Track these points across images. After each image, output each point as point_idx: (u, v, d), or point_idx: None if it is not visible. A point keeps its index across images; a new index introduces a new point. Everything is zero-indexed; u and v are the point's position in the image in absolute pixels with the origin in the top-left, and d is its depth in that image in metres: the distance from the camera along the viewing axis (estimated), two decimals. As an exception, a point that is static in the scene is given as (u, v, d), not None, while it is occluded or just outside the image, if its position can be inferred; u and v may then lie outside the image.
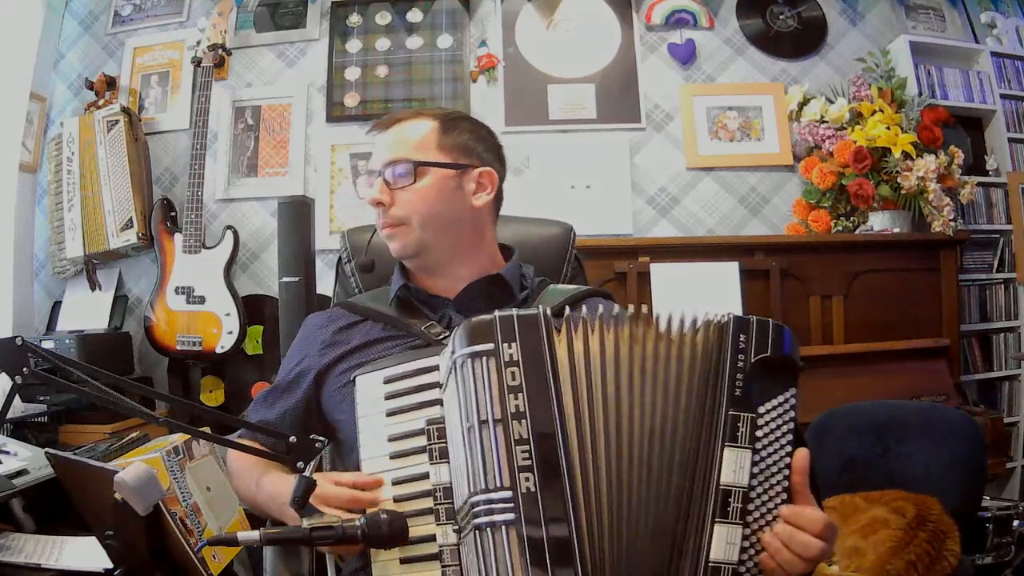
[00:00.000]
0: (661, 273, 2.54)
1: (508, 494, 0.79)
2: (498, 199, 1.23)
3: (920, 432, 1.80)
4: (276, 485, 1.05)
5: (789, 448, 0.83)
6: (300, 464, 0.88)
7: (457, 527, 0.85)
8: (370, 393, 0.97)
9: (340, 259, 1.45)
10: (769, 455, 0.83)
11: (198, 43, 2.83)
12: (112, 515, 0.98)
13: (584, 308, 0.93)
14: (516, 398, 0.81)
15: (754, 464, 0.82)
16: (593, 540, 0.80)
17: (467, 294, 1.18)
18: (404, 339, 1.16)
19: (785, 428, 0.84)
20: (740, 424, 0.82)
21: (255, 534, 0.80)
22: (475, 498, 0.80)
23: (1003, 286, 2.97)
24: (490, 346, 0.82)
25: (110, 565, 1.04)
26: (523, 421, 0.81)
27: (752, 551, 0.81)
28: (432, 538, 0.87)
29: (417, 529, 0.88)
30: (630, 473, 0.82)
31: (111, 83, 3.00)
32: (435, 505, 0.87)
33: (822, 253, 2.66)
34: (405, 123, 1.18)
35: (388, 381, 0.97)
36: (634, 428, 0.83)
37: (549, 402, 0.82)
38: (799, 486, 0.83)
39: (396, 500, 0.91)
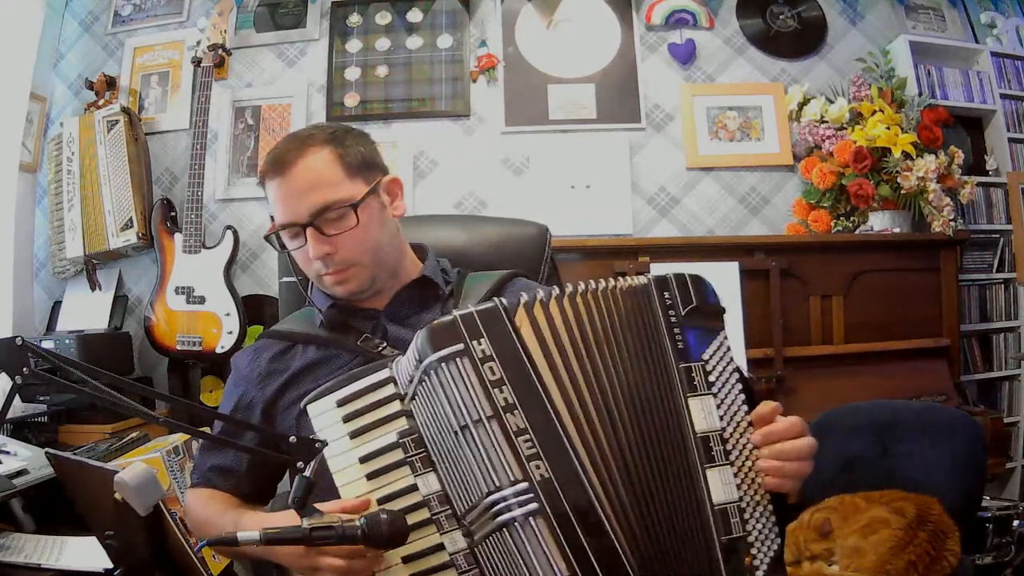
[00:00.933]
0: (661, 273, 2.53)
1: (525, 485, 0.80)
2: None
3: (920, 432, 1.80)
4: (266, 523, 0.99)
5: (740, 385, 0.88)
6: (300, 464, 0.88)
7: (467, 531, 0.85)
8: (326, 419, 0.93)
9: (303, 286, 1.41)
10: (726, 395, 0.87)
11: (198, 43, 2.83)
12: (112, 515, 0.98)
13: (512, 293, 0.96)
14: (502, 391, 0.82)
15: (717, 407, 0.86)
16: (616, 509, 0.82)
17: (396, 302, 1.17)
18: (341, 359, 1.14)
19: (731, 368, 0.87)
20: (694, 374, 0.86)
21: (255, 534, 0.79)
22: (490, 497, 0.80)
23: (1003, 286, 2.97)
24: (460, 346, 0.82)
25: (110, 565, 1.04)
26: (516, 412, 0.81)
27: (747, 484, 0.85)
28: (437, 548, 0.86)
29: (418, 543, 0.86)
30: (628, 439, 0.84)
31: (111, 83, 3.00)
32: (432, 515, 0.86)
33: (822, 253, 2.66)
34: (302, 162, 1.09)
35: (342, 403, 0.93)
36: (616, 391, 0.86)
37: (534, 388, 0.83)
38: (761, 414, 0.88)
39: None
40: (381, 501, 0.89)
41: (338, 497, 0.91)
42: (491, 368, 0.82)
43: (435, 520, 0.86)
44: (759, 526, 0.84)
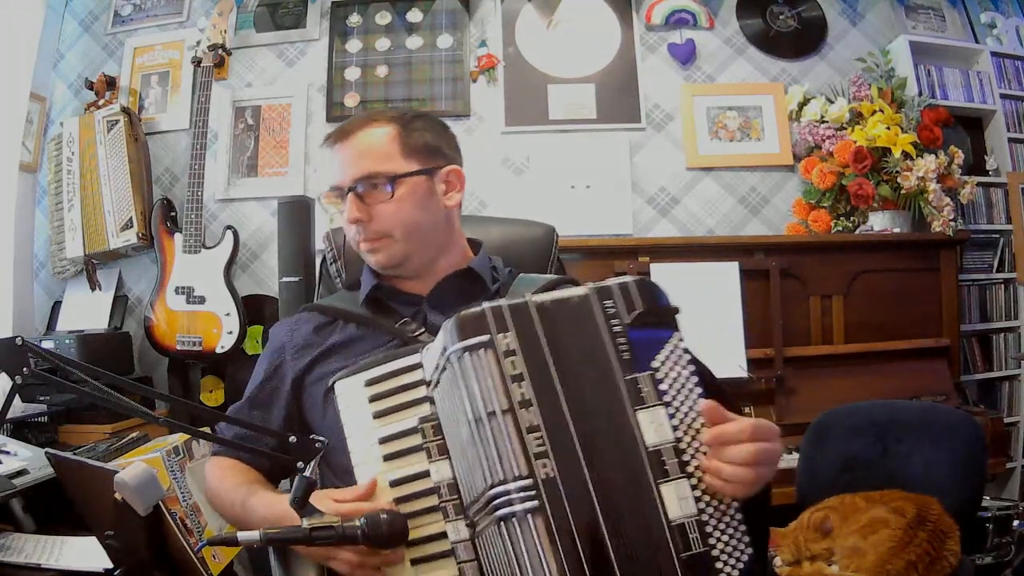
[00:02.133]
0: (661, 273, 2.53)
1: (528, 482, 0.79)
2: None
3: (920, 432, 1.80)
4: (271, 508, 1.02)
5: (699, 390, 0.83)
6: (300, 464, 0.88)
7: (470, 522, 0.85)
8: (353, 397, 0.96)
9: (323, 259, 1.44)
10: (682, 403, 0.82)
11: (198, 43, 2.83)
12: (112, 515, 0.98)
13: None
14: (520, 387, 0.81)
15: (672, 416, 0.81)
16: (611, 518, 0.80)
17: (440, 290, 1.17)
18: (379, 339, 1.15)
19: (686, 372, 0.83)
20: (642, 385, 0.81)
21: (255, 534, 0.80)
22: (493, 490, 0.80)
23: (1003, 286, 2.97)
24: (485, 337, 0.82)
25: (110, 565, 1.04)
26: (531, 408, 0.80)
27: (708, 495, 0.81)
28: (440, 536, 0.87)
29: (423, 529, 0.87)
30: (604, 450, 0.82)
31: (111, 83, 3.00)
32: (441, 502, 0.87)
33: (822, 253, 2.66)
34: (362, 132, 1.14)
35: (370, 383, 0.96)
36: (584, 407, 0.83)
37: (554, 387, 0.82)
38: (711, 416, 0.83)
39: (396, 501, 0.90)
40: (393, 483, 0.91)
41: (352, 477, 0.93)
42: (513, 362, 0.81)
43: (442, 508, 0.87)
44: (724, 538, 0.80)
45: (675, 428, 0.81)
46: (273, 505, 1.02)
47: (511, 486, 0.79)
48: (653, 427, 0.80)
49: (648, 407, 0.81)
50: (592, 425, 0.82)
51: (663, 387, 0.81)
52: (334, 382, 0.99)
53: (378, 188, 1.11)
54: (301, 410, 1.17)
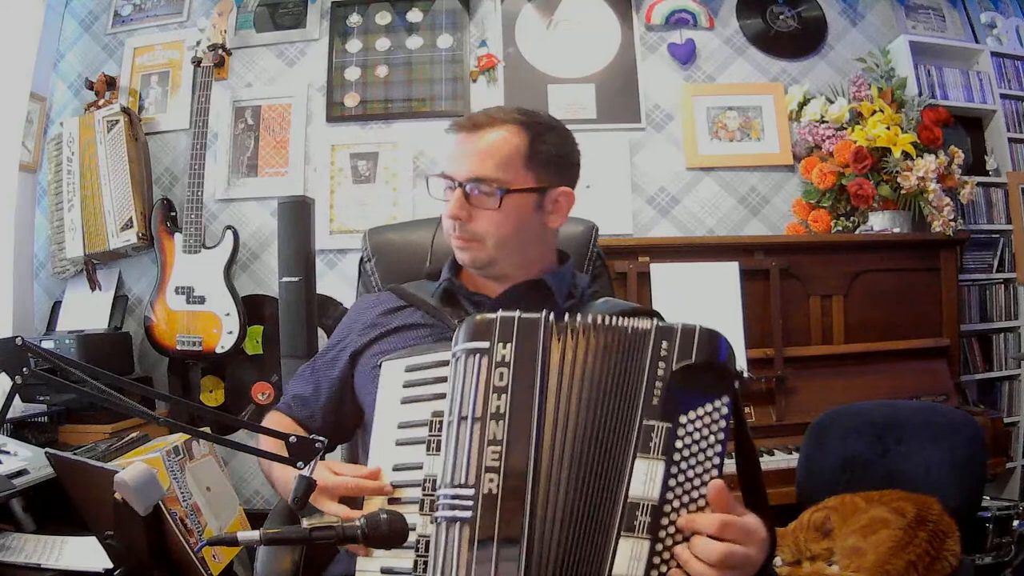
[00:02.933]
0: (661, 273, 2.54)
1: (470, 491, 0.79)
2: None
3: (920, 432, 1.80)
4: (285, 471, 1.04)
5: (717, 460, 0.79)
6: (300, 464, 0.88)
7: (433, 519, 0.86)
8: (392, 379, 0.99)
9: (361, 258, 1.49)
10: (692, 467, 0.79)
11: (198, 43, 2.83)
12: (112, 515, 0.98)
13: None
14: (499, 399, 0.81)
15: (672, 476, 0.78)
16: (543, 547, 0.79)
17: (509, 295, 1.18)
18: (439, 329, 1.17)
19: (713, 439, 0.79)
20: (654, 434, 0.78)
21: (255, 534, 0.79)
22: (442, 491, 0.81)
23: (1003, 286, 2.97)
24: (485, 344, 0.83)
25: (110, 565, 1.04)
26: (500, 422, 0.81)
27: (664, 567, 0.78)
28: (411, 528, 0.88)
29: (409, 518, 0.88)
30: (574, 481, 0.81)
31: (111, 83, 3.00)
32: (423, 495, 0.88)
33: (822, 253, 2.66)
34: (492, 132, 1.12)
35: (409, 370, 0.98)
36: (577, 438, 0.82)
37: (531, 406, 0.81)
38: (717, 502, 0.79)
39: (394, 485, 0.92)
40: (395, 468, 0.93)
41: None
42: (501, 373, 0.82)
43: (421, 501, 0.88)
44: None
45: (669, 489, 0.78)
46: (286, 471, 1.04)
47: (458, 491, 0.80)
48: (644, 479, 0.78)
49: (650, 458, 0.78)
50: (585, 455, 0.81)
51: (679, 444, 0.78)
52: (382, 362, 1.02)
53: (488, 194, 1.11)
54: (354, 381, 1.22)
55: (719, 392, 0.80)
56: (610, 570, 0.78)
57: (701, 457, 0.79)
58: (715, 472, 0.79)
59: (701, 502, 0.79)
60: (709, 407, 0.80)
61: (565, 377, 0.83)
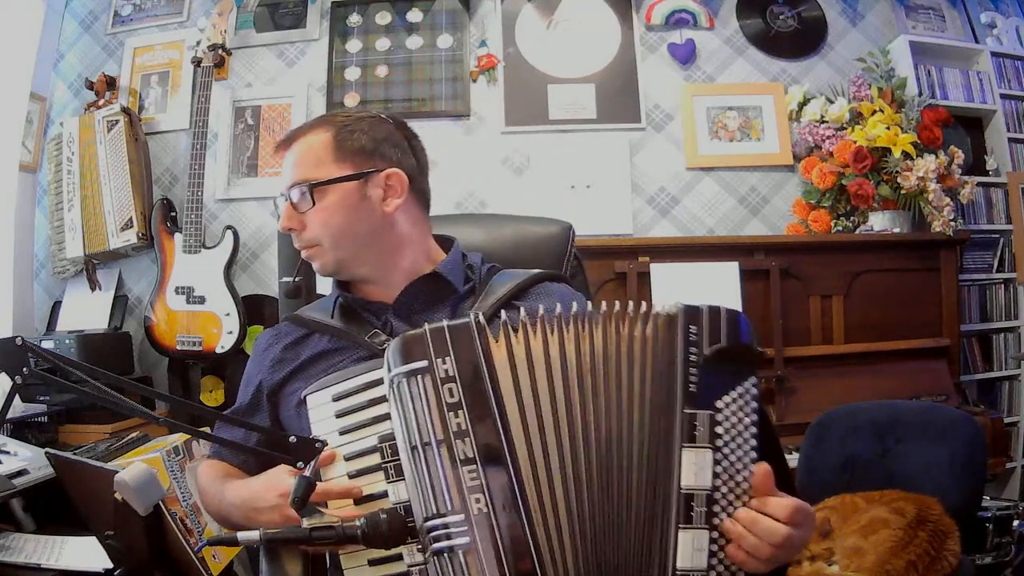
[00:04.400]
0: (661, 273, 2.54)
1: (460, 517, 0.77)
2: (420, 195, 1.19)
3: (920, 432, 1.80)
4: (239, 491, 1.03)
5: (754, 442, 0.79)
6: (300, 464, 0.88)
7: (421, 547, 0.83)
8: (322, 412, 0.94)
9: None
10: (732, 451, 0.78)
11: (198, 43, 2.83)
12: (112, 515, 0.98)
13: (536, 297, 0.92)
14: (456, 416, 0.78)
15: (717, 463, 0.77)
16: (555, 555, 0.77)
17: (405, 297, 1.14)
18: (351, 350, 1.13)
19: (747, 420, 0.78)
20: (697, 422, 0.77)
21: (255, 534, 0.79)
22: (430, 523, 0.78)
23: (1003, 286, 2.97)
24: (424, 363, 0.80)
25: (110, 565, 1.04)
26: (466, 439, 0.78)
27: (722, 553, 0.77)
28: (399, 557, 0.85)
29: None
30: (589, 482, 0.79)
31: (111, 83, 3.00)
32: None
33: (822, 253, 2.66)
34: (302, 139, 1.13)
35: (337, 398, 0.93)
36: (590, 433, 0.80)
37: (492, 416, 0.79)
38: (760, 486, 0.79)
39: None
40: (357, 502, 0.89)
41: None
42: (450, 390, 0.79)
43: None
44: None
45: (716, 475, 0.77)
46: (239, 489, 1.03)
47: (447, 520, 0.77)
48: (695, 469, 0.76)
49: (697, 447, 0.76)
50: (613, 451, 0.78)
51: (719, 430, 0.77)
52: (305, 395, 0.97)
53: (305, 196, 1.10)
54: (280, 421, 1.17)
55: (748, 373, 0.79)
56: (674, 566, 0.76)
57: (740, 440, 0.78)
58: (753, 454, 0.78)
59: (744, 485, 0.78)
60: (740, 389, 0.79)
61: (542, 378, 0.80)
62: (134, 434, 2.35)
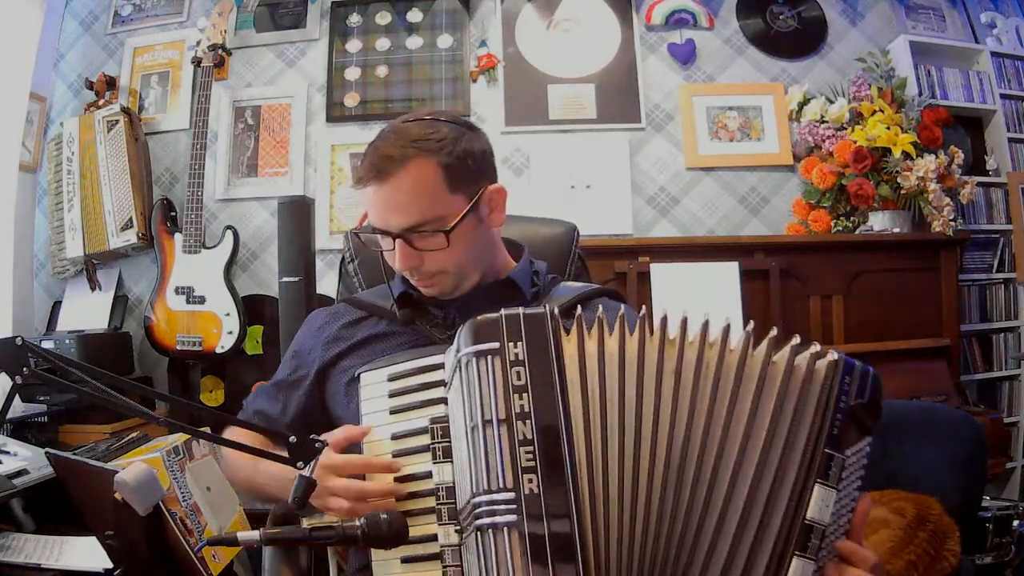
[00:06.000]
0: (661, 273, 2.54)
1: (511, 495, 0.78)
2: None
3: (920, 432, 1.80)
4: (279, 465, 1.03)
5: (858, 493, 0.84)
6: (300, 464, 0.88)
7: (459, 527, 0.85)
8: (374, 390, 0.98)
9: (343, 259, 1.45)
10: (844, 495, 0.82)
11: (198, 43, 2.83)
12: (112, 515, 0.98)
13: (600, 307, 0.91)
14: (521, 398, 0.80)
15: (837, 502, 0.81)
16: (599, 540, 0.78)
17: (475, 296, 1.16)
18: (408, 336, 1.15)
19: (860, 472, 0.83)
20: (833, 464, 0.81)
21: (255, 534, 0.79)
22: (477, 499, 0.79)
23: (1003, 286, 2.97)
24: (495, 345, 0.81)
25: (110, 565, 1.04)
26: (527, 421, 0.79)
27: None
28: (432, 538, 0.87)
29: (419, 528, 0.87)
30: (651, 477, 0.80)
31: (111, 83, 3.00)
32: (437, 505, 0.87)
33: (822, 253, 2.66)
34: (401, 173, 1.05)
35: (392, 378, 0.96)
36: (662, 437, 0.81)
37: (554, 402, 0.80)
38: (857, 527, 0.84)
39: (397, 499, 0.91)
40: (398, 480, 0.92)
41: (361, 476, 0.94)
42: (518, 372, 0.80)
43: (437, 511, 0.87)
44: None
45: (832, 514, 0.81)
46: (275, 472, 1.03)
47: (495, 496, 0.78)
48: (820, 504, 0.80)
49: (827, 485, 0.80)
50: (696, 453, 0.81)
51: (844, 474, 0.82)
52: (360, 373, 1.00)
53: (430, 236, 1.06)
54: (324, 398, 1.19)
55: (871, 430, 0.84)
56: None
57: (851, 488, 0.83)
58: (855, 504, 0.84)
59: (844, 528, 0.83)
60: (863, 443, 0.83)
61: (629, 373, 0.82)
62: (134, 434, 2.35)
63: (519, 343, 0.81)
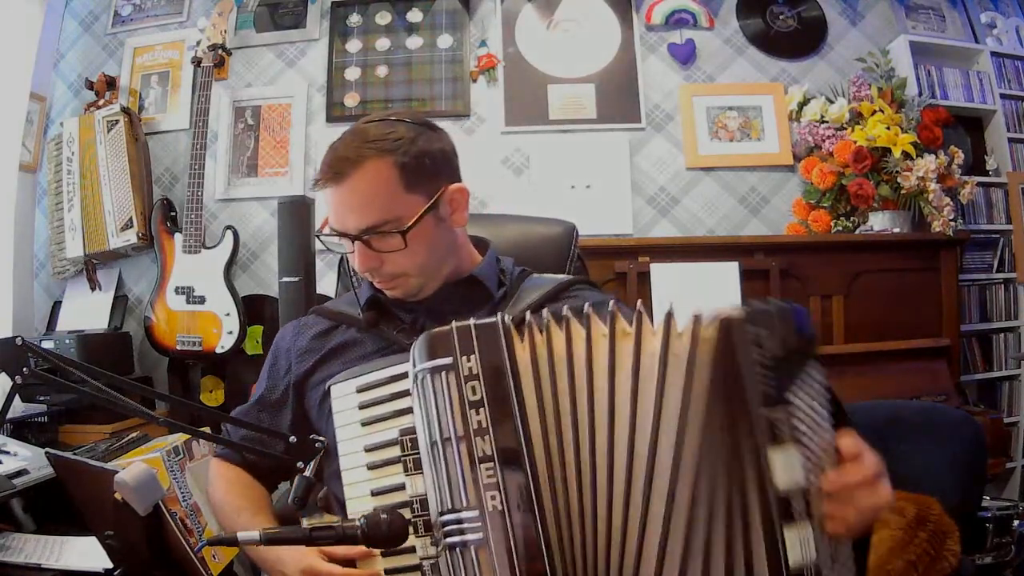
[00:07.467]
0: (661, 273, 2.54)
1: (475, 513, 0.77)
2: None
3: (920, 432, 1.80)
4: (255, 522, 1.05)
5: (827, 424, 0.76)
6: (300, 464, 0.88)
7: (434, 541, 0.84)
8: (345, 402, 0.96)
9: (342, 258, 1.44)
10: (812, 440, 0.75)
11: (198, 43, 2.83)
12: (112, 515, 0.98)
13: (567, 302, 0.91)
14: (478, 413, 0.78)
15: (806, 458, 0.74)
16: (564, 550, 0.77)
17: (438, 298, 1.15)
18: (378, 343, 1.14)
19: (818, 406, 0.76)
20: (778, 422, 0.73)
21: (255, 534, 0.79)
22: (444, 517, 0.79)
23: (1003, 286, 2.97)
24: (448, 360, 0.80)
25: (110, 565, 1.04)
26: (486, 437, 0.78)
27: (826, 539, 0.75)
28: (412, 550, 0.86)
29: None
30: (628, 484, 0.77)
31: (111, 83, 3.00)
32: (412, 517, 0.85)
33: (822, 253, 2.66)
34: (358, 174, 1.05)
35: (361, 390, 0.95)
36: (615, 436, 0.77)
37: (512, 416, 0.78)
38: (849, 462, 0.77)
39: None
40: (374, 493, 0.91)
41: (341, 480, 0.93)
42: (473, 387, 0.79)
43: (413, 523, 0.85)
44: None
45: (806, 469, 0.74)
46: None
47: (461, 515, 0.78)
48: (786, 468, 0.73)
49: (781, 447, 0.73)
50: (668, 450, 0.75)
51: (798, 424, 0.74)
52: (330, 385, 0.99)
53: (387, 236, 1.06)
54: (305, 412, 1.18)
55: (809, 359, 0.77)
56: (786, 563, 0.72)
57: (816, 427, 0.76)
58: (829, 438, 0.77)
59: (827, 466, 0.76)
60: (806, 377, 0.76)
61: (579, 373, 0.78)
62: (134, 434, 2.35)
63: (472, 356, 0.79)
